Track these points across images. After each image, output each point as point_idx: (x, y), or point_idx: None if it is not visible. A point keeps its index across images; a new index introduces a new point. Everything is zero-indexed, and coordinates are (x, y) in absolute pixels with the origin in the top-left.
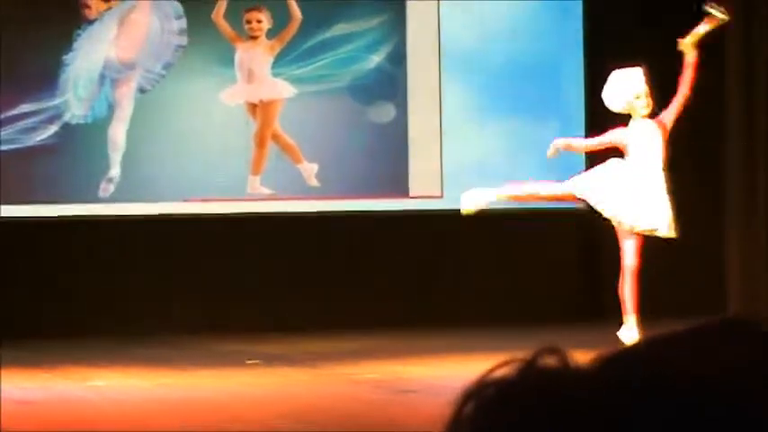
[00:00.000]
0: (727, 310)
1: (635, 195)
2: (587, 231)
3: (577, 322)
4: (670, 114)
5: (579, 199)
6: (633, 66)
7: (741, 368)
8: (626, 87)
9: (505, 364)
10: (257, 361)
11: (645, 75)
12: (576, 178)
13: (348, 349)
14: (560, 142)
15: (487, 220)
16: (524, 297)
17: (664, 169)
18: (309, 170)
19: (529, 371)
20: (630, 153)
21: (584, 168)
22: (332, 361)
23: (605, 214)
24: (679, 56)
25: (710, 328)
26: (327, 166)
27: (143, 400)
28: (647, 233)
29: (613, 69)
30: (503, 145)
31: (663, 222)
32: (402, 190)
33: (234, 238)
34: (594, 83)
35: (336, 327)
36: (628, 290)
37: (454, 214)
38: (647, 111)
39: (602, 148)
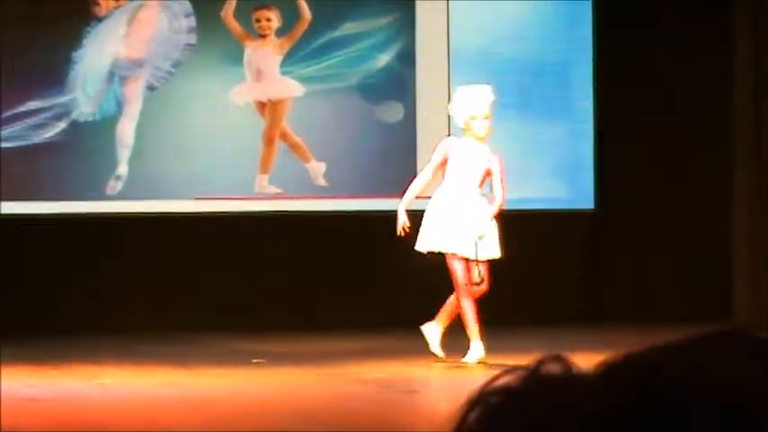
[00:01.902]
0: (732, 316)
1: (448, 222)
2: (589, 232)
3: (579, 323)
4: (492, 177)
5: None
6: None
7: (744, 378)
8: (466, 106)
9: (509, 372)
10: (263, 360)
11: (492, 94)
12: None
13: (354, 349)
14: (403, 207)
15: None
16: (528, 298)
17: (481, 193)
18: (317, 169)
19: (532, 379)
20: (449, 170)
21: (592, 169)
22: (338, 360)
23: (426, 249)
24: (683, 58)
25: (713, 337)
26: (335, 166)
27: (149, 398)
28: (465, 258)
29: (622, 70)
30: (511, 146)
31: (474, 246)
32: None
33: (241, 237)
34: (604, 84)
35: (343, 326)
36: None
37: None
38: (482, 134)
39: (443, 163)
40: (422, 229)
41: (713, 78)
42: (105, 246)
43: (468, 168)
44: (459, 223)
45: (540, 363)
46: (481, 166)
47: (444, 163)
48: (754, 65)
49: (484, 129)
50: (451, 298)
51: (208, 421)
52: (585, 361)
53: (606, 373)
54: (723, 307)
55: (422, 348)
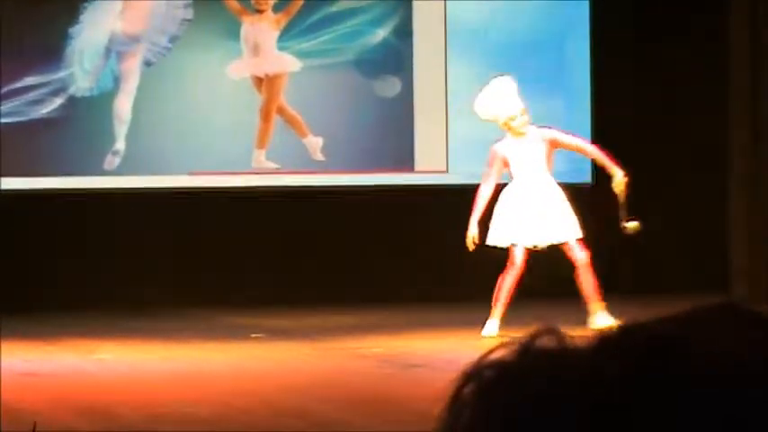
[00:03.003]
0: (731, 287)
1: (529, 215)
2: (590, 207)
3: (579, 297)
4: (564, 142)
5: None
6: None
7: (744, 352)
8: (500, 108)
9: (504, 345)
10: (262, 335)
11: (513, 81)
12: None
13: (353, 323)
14: (475, 221)
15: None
16: (528, 272)
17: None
18: (315, 144)
19: (526, 352)
20: (512, 170)
21: (589, 143)
22: (337, 335)
23: (506, 245)
24: (681, 36)
25: (712, 309)
26: (333, 140)
27: (147, 374)
28: (553, 245)
29: (619, 46)
30: None
31: (564, 231)
32: (407, 164)
33: (239, 212)
34: (600, 59)
35: (341, 301)
36: (588, 282)
37: (459, 189)
38: (525, 129)
39: (501, 170)
40: (497, 224)
41: (712, 59)
42: (103, 221)
43: (531, 160)
44: (539, 215)
45: (534, 336)
46: (540, 150)
47: (505, 165)
48: (753, 48)
49: (525, 123)
50: (504, 285)
51: (206, 396)
52: (583, 338)
53: (603, 344)
54: (722, 278)
55: (420, 323)
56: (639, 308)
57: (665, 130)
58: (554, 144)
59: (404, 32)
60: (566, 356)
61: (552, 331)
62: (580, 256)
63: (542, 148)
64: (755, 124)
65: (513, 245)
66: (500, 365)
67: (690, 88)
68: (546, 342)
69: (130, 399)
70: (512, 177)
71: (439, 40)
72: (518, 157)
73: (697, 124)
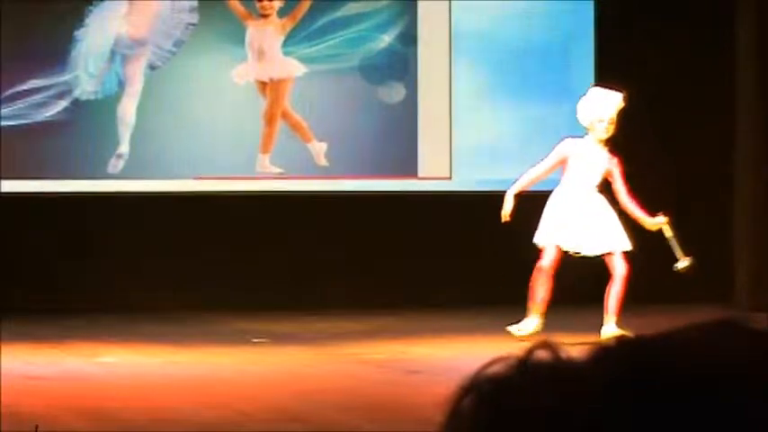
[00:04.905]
0: (734, 298)
1: (572, 221)
2: None
3: (583, 306)
4: (614, 175)
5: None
6: (614, 87)
7: (738, 356)
8: (595, 107)
9: (501, 359)
10: (265, 339)
11: (624, 101)
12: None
13: (354, 329)
14: (511, 194)
15: (495, 201)
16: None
17: (600, 191)
18: (319, 149)
19: (523, 366)
20: (569, 170)
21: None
22: (338, 341)
23: (542, 245)
24: (686, 44)
25: (707, 324)
26: (337, 146)
27: (151, 377)
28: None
29: (623, 53)
30: (512, 127)
31: (612, 242)
32: (411, 171)
33: (242, 217)
34: (605, 67)
35: (343, 307)
36: (616, 294)
37: (462, 195)
38: (605, 137)
39: (558, 164)
40: (541, 224)
41: (716, 57)
42: (106, 224)
43: (589, 169)
44: (575, 220)
45: (531, 350)
46: (602, 166)
47: (563, 162)
48: (760, 45)
49: (607, 132)
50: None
51: (208, 400)
52: (580, 350)
53: (601, 353)
54: (724, 288)
55: (422, 329)
56: (640, 319)
57: (670, 134)
58: (609, 172)
59: (409, 38)
60: (563, 367)
61: (548, 345)
62: (620, 268)
63: (602, 168)
64: (764, 132)
65: (556, 246)
66: (498, 379)
67: (694, 93)
68: (541, 356)
69: (134, 402)
70: (563, 177)
71: (443, 47)
72: (580, 161)
73: (702, 130)
